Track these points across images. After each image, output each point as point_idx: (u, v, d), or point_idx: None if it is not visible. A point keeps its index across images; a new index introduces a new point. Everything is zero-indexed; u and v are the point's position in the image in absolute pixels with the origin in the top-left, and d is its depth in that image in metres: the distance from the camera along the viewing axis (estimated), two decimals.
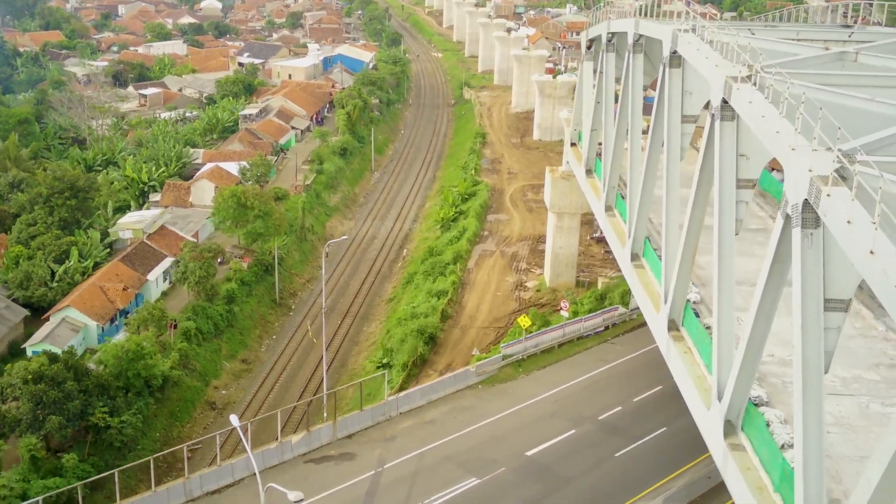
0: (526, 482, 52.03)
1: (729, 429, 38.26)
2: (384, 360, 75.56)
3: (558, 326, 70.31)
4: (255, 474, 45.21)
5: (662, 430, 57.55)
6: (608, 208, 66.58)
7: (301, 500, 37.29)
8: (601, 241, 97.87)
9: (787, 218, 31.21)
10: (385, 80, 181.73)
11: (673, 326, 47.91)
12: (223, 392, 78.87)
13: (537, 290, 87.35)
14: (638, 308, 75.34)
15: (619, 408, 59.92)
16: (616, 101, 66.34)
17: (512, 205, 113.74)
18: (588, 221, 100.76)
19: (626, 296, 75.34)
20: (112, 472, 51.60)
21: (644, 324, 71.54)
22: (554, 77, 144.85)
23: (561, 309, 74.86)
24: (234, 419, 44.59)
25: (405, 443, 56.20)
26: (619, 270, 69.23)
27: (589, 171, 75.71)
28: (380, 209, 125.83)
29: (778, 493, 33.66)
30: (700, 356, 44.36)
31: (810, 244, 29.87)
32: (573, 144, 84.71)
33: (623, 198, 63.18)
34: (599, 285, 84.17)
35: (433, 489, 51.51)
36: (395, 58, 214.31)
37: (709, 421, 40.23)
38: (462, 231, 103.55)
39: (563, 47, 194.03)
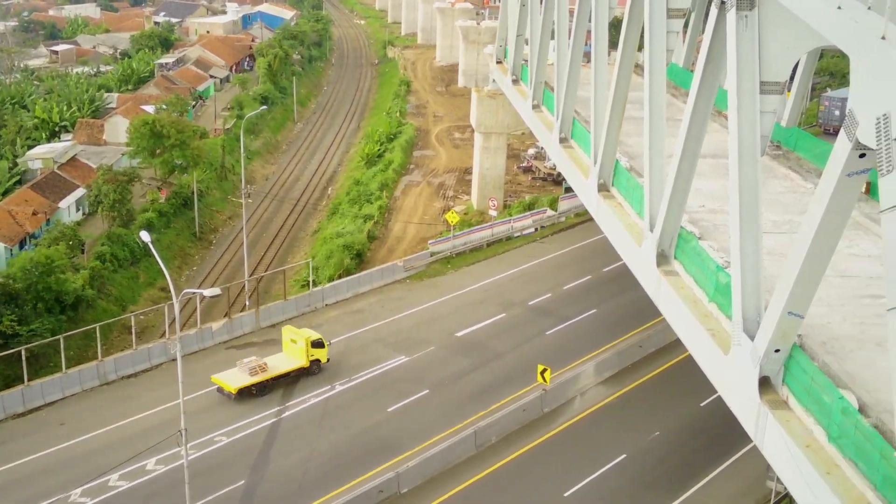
0: (456, 357, 51.17)
1: (662, 260, 37.86)
2: (311, 279, 73.49)
3: (487, 225, 69.35)
4: (174, 360, 43.12)
5: (592, 311, 57.25)
6: (535, 106, 65.91)
7: (217, 294, 36.12)
8: (528, 170, 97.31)
9: (722, 4, 30.47)
10: (307, 35, 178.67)
11: (602, 188, 47.80)
12: (142, 317, 75.93)
13: (465, 213, 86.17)
14: (567, 211, 75.01)
15: (549, 294, 59.39)
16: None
17: (438, 142, 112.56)
18: (515, 154, 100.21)
19: (554, 202, 74.73)
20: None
21: (573, 225, 71.17)
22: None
23: (489, 208, 73.80)
24: (145, 234, 39.08)
25: (332, 328, 54.62)
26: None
27: (515, 81, 74.83)
28: (303, 155, 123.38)
29: (713, 303, 33.24)
30: (631, 206, 44.00)
31: (745, 26, 29.11)
32: (499, 62, 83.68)
33: (551, 91, 62.40)
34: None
35: (361, 366, 50.06)
36: (317, 16, 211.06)
37: (641, 256, 39.79)
38: (388, 164, 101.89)
39: (487, 10, 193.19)
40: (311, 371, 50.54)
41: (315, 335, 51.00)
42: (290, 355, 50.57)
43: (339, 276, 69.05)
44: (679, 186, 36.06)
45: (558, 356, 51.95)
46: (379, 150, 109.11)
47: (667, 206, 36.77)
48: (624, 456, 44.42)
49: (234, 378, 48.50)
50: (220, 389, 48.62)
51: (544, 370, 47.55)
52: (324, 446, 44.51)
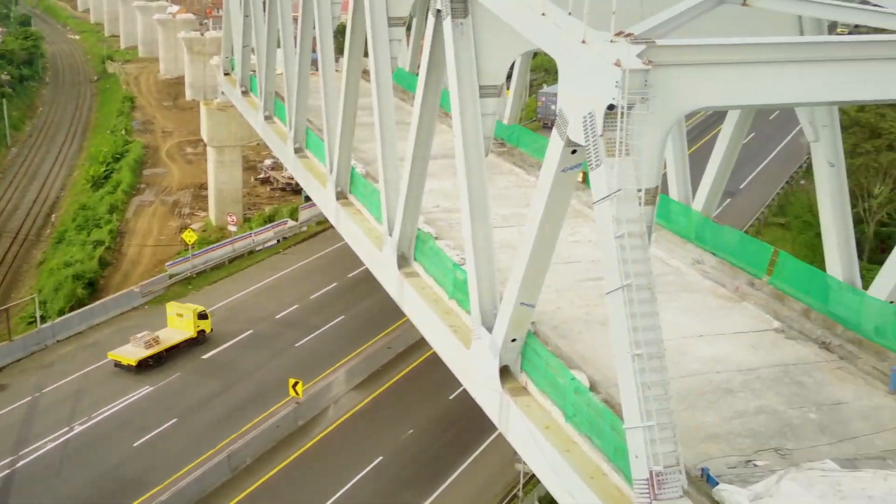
0: (204, 381, 50.02)
1: (402, 262, 38.69)
2: (38, 315, 68.49)
3: (227, 242, 67.83)
4: None
5: (340, 318, 57.60)
6: (267, 117, 65.22)
7: None
8: (266, 181, 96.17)
9: (438, 12, 31.54)
10: (16, 54, 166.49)
11: (341, 196, 48.15)
12: None
13: (203, 231, 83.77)
14: (309, 220, 74.80)
15: (296, 306, 59.15)
16: (264, 8, 64.77)
17: (169, 159, 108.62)
18: (251, 166, 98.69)
19: (295, 213, 74.31)
20: None
21: (316, 234, 71.18)
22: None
23: (228, 224, 72.23)
24: None
25: (65, 367, 51.30)
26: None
27: (245, 92, 73.62)
28: (21, 182, 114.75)
29: (453, 299, 34.41)
30: (370, 212, 44.67)
31: (461, 33, 30.35)
32: (227, 74, 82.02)
33: (283, 101, 61.96)
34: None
35: (101, 402, 47.49)
36: (26, 33, 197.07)
37: (383, 260, 40.47)
38: (116, 185, 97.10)
39: (210, 21, 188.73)
40: (199, 340, 55.63)
41: (200, 308, 56.30)
42: (178, 328, 55.19)
43: (71, 309, 64.85)
44: (413, 189, 37.00)
45: (310, 367, 51.88)
46: (105, 170, 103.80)
47: (403, 208, 37.66)
48: (381, 458, 45.05)
49: (131, 352, 52.41)
50: (118, 364, 51.90)
51: (296, 383, 47.29)
52: (65, 494, 41.66)
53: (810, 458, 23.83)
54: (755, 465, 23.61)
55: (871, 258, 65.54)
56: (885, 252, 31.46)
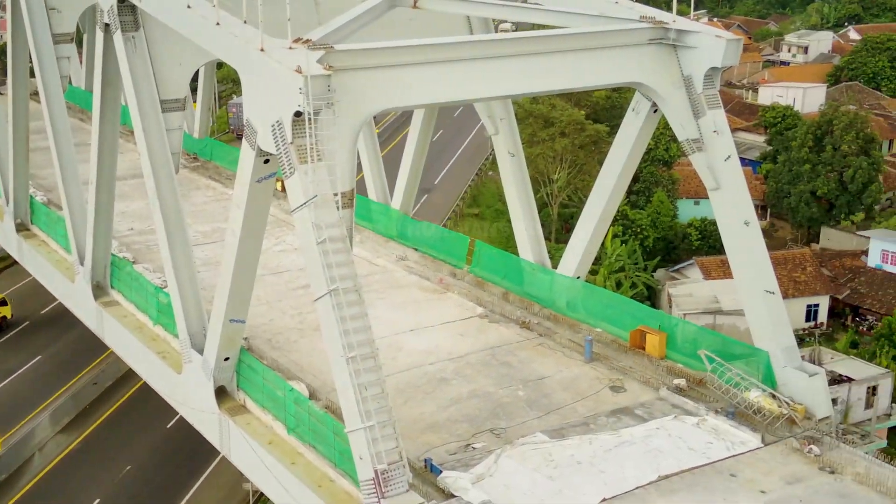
0: None
1: (99, 292, 36.59)
2: None
3: None
4: None
5: (37, 358, 53.51)
6: None
7: None
8: None
9: (106, 27, 30.00)
10: None
11: (22, 228, 44.78)
12: None
13: None
14: None
15: None
16: None
17: None
18: None
19: None
20: None
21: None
22: None
23: None
24: None
25: None
26: None
27: None
28: None
29: (159, 325, 33.03)
30: (57, 242, 41.83)
31: (134, 47, 29.04)
32: None
33: None
34: None
35: None
36: None
37: (76, 292, 38.01)
38: None
39: None
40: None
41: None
42: None
43: None
44: (102, 213, 35.09)
45: (6, 416, 47.65)
46: None
47: (93, 235, 35.58)
48: (98, 501, 42.36)
49: None
50: None
51: None
52: None
53: (523, 434, 25.22)
54: (474, 449, 24.60)
55: (557, 238, 70.53)
56: (569, 232, 34.02)
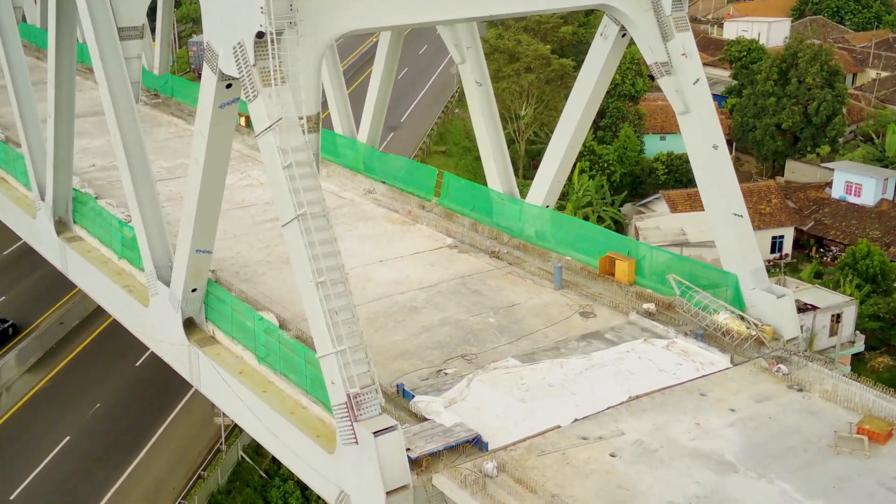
0: None
1: (61, 227, 35.98)
2: None
3: None
4: None
5: (1, 299, 52.77)
6: None
7: None
8: None
9: None
10: None
11: None
12: None
13: None
14: None
15: None
16: None
17: None
18: None
19: None
20: None
21: None
22: None
23: None
24: None
25: None
26: None
27: None
28: None
29: (124, 259, 32.57)
30: (17, 179, 41.01)
31: None
32: None
33: None
34: None
35: None
36: None
37: (38, 229, 37.36)
38: None
39: None
40: None
41: None
42: None
43: None
44: (61, 150, 34.42)
45: None
46: None
47: (53, 171, 34.90)
48: (68, 438, 42.19)
49: None
50: None
51: None
52: None
53: (494, 360, 25.27)
54: (445, 374, 24.63)
55: (525, 175, 70.36)
56: (536, 168, 33.82)
